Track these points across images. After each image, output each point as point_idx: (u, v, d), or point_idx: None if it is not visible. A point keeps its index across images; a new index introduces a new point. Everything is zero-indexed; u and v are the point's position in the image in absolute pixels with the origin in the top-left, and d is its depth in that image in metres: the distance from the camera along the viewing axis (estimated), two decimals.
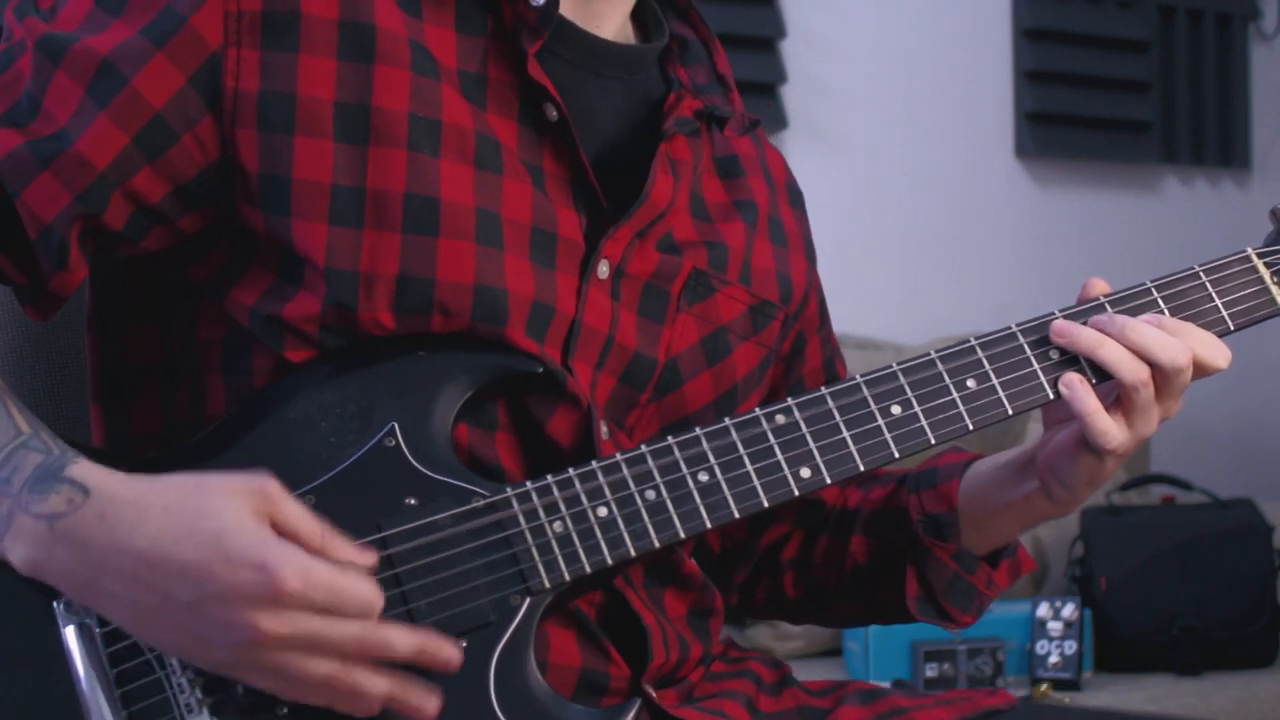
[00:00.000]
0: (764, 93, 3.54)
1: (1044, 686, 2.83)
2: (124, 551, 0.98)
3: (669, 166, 1.25)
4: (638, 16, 1.32)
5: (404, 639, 1.02)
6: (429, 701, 1.03)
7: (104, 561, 0.99)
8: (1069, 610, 2.92)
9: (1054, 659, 2.90)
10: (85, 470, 1.01)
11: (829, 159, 3.61)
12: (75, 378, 1.41)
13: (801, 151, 3.53)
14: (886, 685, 1.36)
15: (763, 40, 3.55)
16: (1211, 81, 4.09)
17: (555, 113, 1.19)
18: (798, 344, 1.40)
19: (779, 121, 3.56)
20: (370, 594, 1.00)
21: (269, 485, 1.00)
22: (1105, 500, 3.27)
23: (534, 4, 1.18)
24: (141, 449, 1.20)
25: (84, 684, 1.02)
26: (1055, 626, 2.91)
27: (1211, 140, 4.09)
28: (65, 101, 1.09)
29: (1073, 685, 2.87)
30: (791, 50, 3.60)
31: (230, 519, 0.98)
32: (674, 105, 1.27)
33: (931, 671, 2.83)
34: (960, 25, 3.83)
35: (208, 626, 0.98)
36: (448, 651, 1.04)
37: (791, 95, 3.60)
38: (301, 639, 0.98)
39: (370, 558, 1.03)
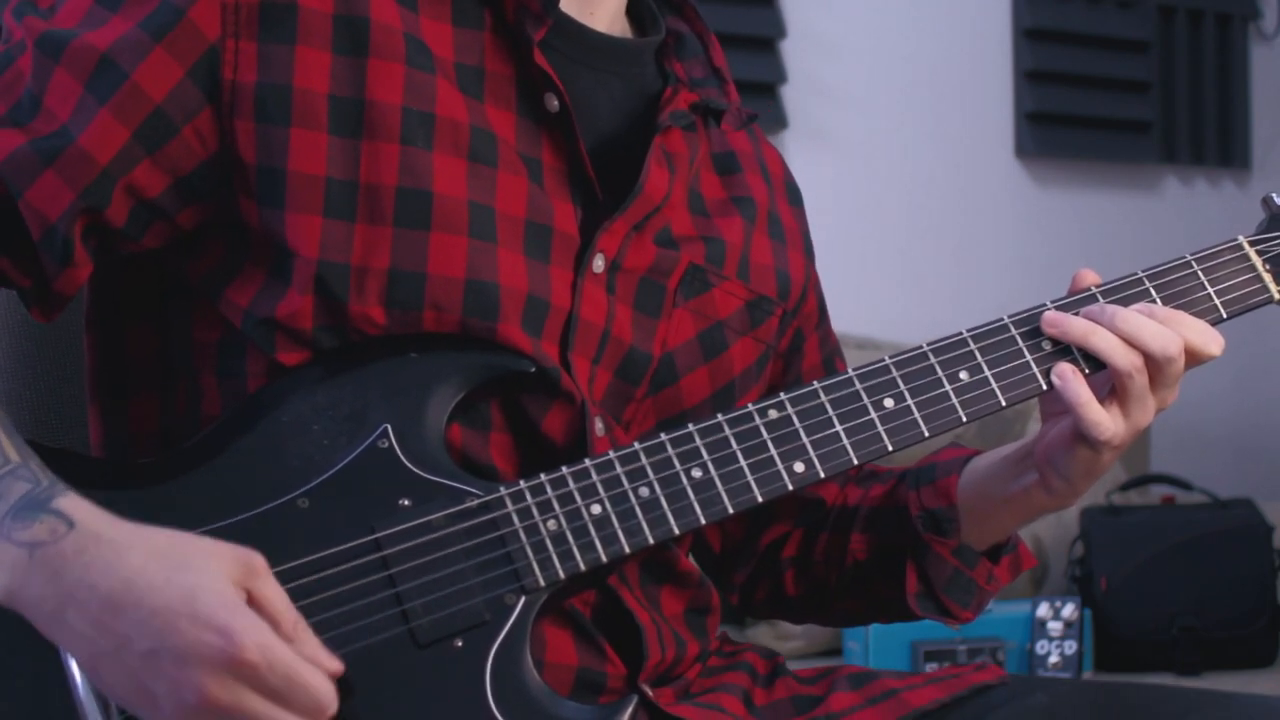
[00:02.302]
0: (764, 93, 3.54)
1: None
2: (94, 588, 0.96)
3: (664, 159, 1.25)
4: (633, 12, 1.32)
5: None
6: None
7: (72, 596, 0.96)
8: (1069, 610, 2.92)
9: (1054, 659, 2.90)
10: (73, 504, 1.00)
11: (829, 159, 3.61)
12: (75, 380, 1.41)
13: (801, 151, 3.53)
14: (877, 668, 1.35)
15: (763, 40, 3.55)
16: (1211, 81, 4.08)
17: (556, 103, 1.20)
18: (796, 341, 1.40)
19: (779, 121, 3.56)
20: (325, 695, 0.97)
21: (255, 559, 0.98)
22: (1105, 500, 3.27)
23: None
24: (138, 449, 1.20)
25: (81, 691, 1.01)
26: (1055, 626, 2.91)
27: (1211, 140, 4.09)
28: (66, 98, 1.10)
29: None
30: (791, 50, 3.60)
31: (208, 579, 0.96)
32: (670, 99, 1.27)
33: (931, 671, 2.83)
34: (960, 25, 3.83)
35: (156, 680, 0.95)
36: None
37: (791, 95, 3.60)
38: (244, 715, 0.95)
39: (335, 665, 0.99)
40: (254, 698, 0.95)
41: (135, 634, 0.95)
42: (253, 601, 0.97)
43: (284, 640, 0.97)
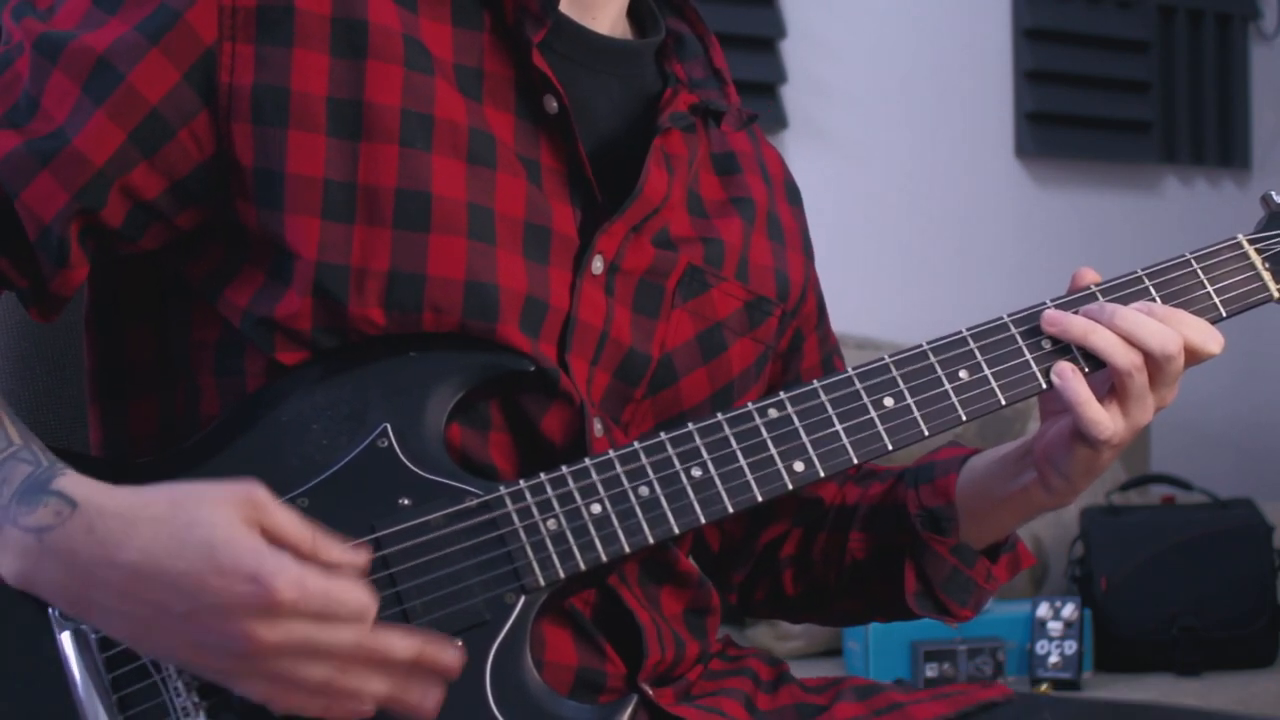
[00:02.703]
0: (764, 93, 3.54)
1: (1044, 686, 2.83)
2: (114, 564, 0.98)
3: (663, 161, 1.25)
4: (634, 13, 1.32)
5: (402, 643, 1.02)
6: (428, 699, 1.03)
7: (94, 574, 0.98)
8: (1069, 610, 2.92)
9: (1054, 659, 2.90)
10: (73, 482, 1.01)
11: (829, 159, 3.61)
12: (75, 378, 1.41)
13: (801, 151, 3.53)
14: (883, 681, 1.35)
15: (763, 40, 3.55)
16: (1211, 81, 4.08)
17: (555, 104, 1.19)
18: (795, 341, 1.40)
19: (779, 121, 3.56)
20: (364, 599, 1.00)
21: (257, 492, 1.00)
22: (1105, 500, 3.27)
23: None
24: (139, 449, 1.20)
25: (80, 690, 1.02)
26: (1055, 626, 2.91)
27: (1211, 140, 4.09)
28: (63, 100, 1.10)
29: (1073, 685, 2.87)
30: (791, 50, 3.60)
31: (221, 529, 0.97)
32: (669, 100, 1.27)
33: (931, 671, 2.83)
34: (960, 25, 3.83)
35: (204, 636, 0.98)
36: (448, 655, 1.03)
37: (791, 95, 3.60)
38: (298, 646, 0.98)
39: (362, 557, 1.03)
40: (301, 626, 0.97)
41: (168, 599, 0.97)
42: (267, 534, 0.99)
43: (308, 560, 0.99)
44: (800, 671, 1.37)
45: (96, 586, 0.98)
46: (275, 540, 0.99)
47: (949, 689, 1.31)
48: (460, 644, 1.06)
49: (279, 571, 0.96)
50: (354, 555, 1.02)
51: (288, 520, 1.00)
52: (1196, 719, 1.27)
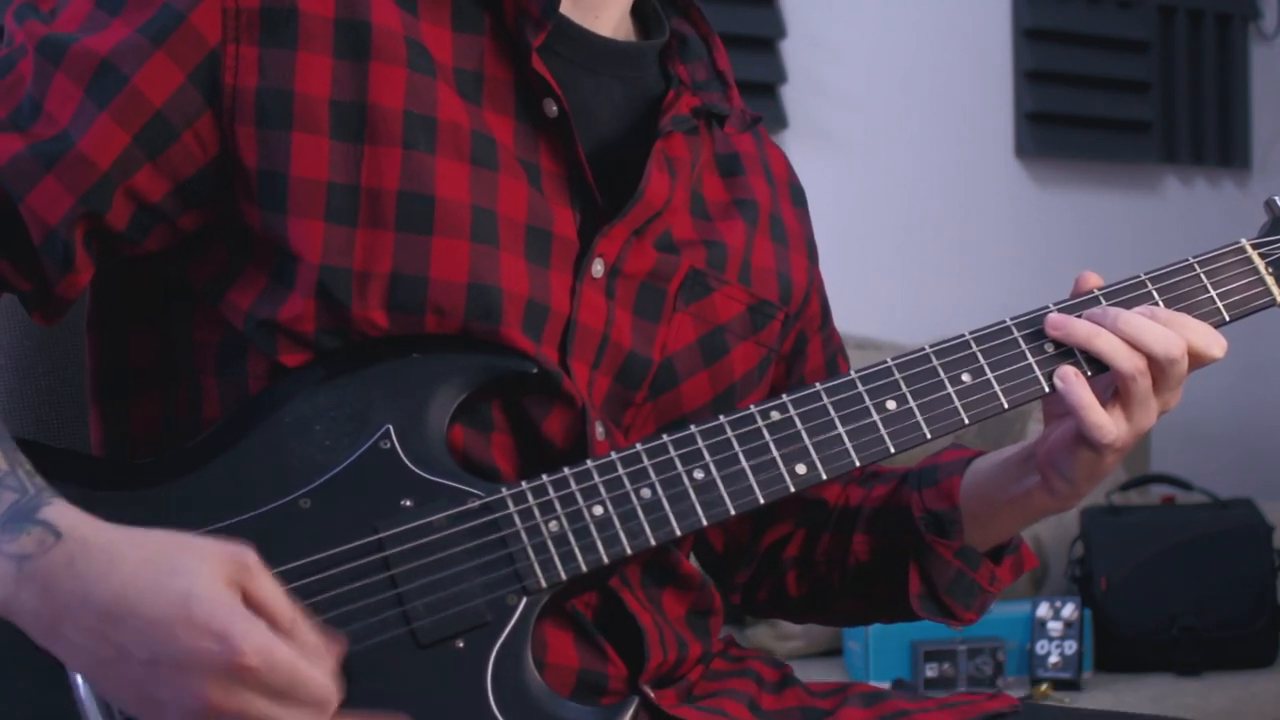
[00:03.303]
0: (764, 93, 3.54)
1: (1044, 686, 2.83)
2: (87, 600, 0.96)
3: (665, 164, 1.25)
4: (638, 13, 1.32)
5: None
6: None
7: (67, 608, 0.96)
8: (1069, 610, 2.92)
9: (1054, 659, 2.89)
10: (60, 512, 0.99)
11: (829, 159, 3.61)
12: (76, 380, 1.41)
13: (801, 151, 3.53)
14: (888, 687, 1.35)
15: (763, 40, 3.55)
16: (1211, 81, 4.08)
17: (555, 108, 1.19)
18: (799, 343, 1.40)
19: (779, 121, 3.56)
20: (329, 688, 0.97)
21: (248, 556, 0.98)
22: (1105, 500, 3.27)
23: None
24: (140, 450, 1.20)
25: (81, 689, 1.01)
26: (1055, 626, 2.91)
27: (1211, 140, 4.09)
28: (66, 103, 1.09)
29: (1073, 685, 2.87)
30: (791, 50, 3.60)
31: (202, 582, 0.95)
32: (672, 103, 1.27)
33: (931, 671, 2.83)
34: (960, 25, 3.83)
35: (160, 688, 0.95)
36: None
37: (791, 95, 3.60)
38: (251, 718, 0.95)
39: (337, 653, 1.00)
40: (257, 699, 0.95)
41: (133, 643, 0.95)
42: (248, 599, 0.97)
43: (283, 635, 0.97)
44: (800, 671, 1.37)
45: (67, 620, 0.96)
46: (256, 607, 0.97)
47: (955, 699, 1.31)
48: (457, 644, 1.06)
49: (247, 636, 0.94)
50: (330, 644, 1.00)
51: (272, 591, 0.98)
52: None
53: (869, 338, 3.24)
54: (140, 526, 0.99)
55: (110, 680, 0.97)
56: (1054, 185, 3.96)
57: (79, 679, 1.01)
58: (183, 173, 1.12)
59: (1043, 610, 2.93)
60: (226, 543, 0.98)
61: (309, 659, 0.97)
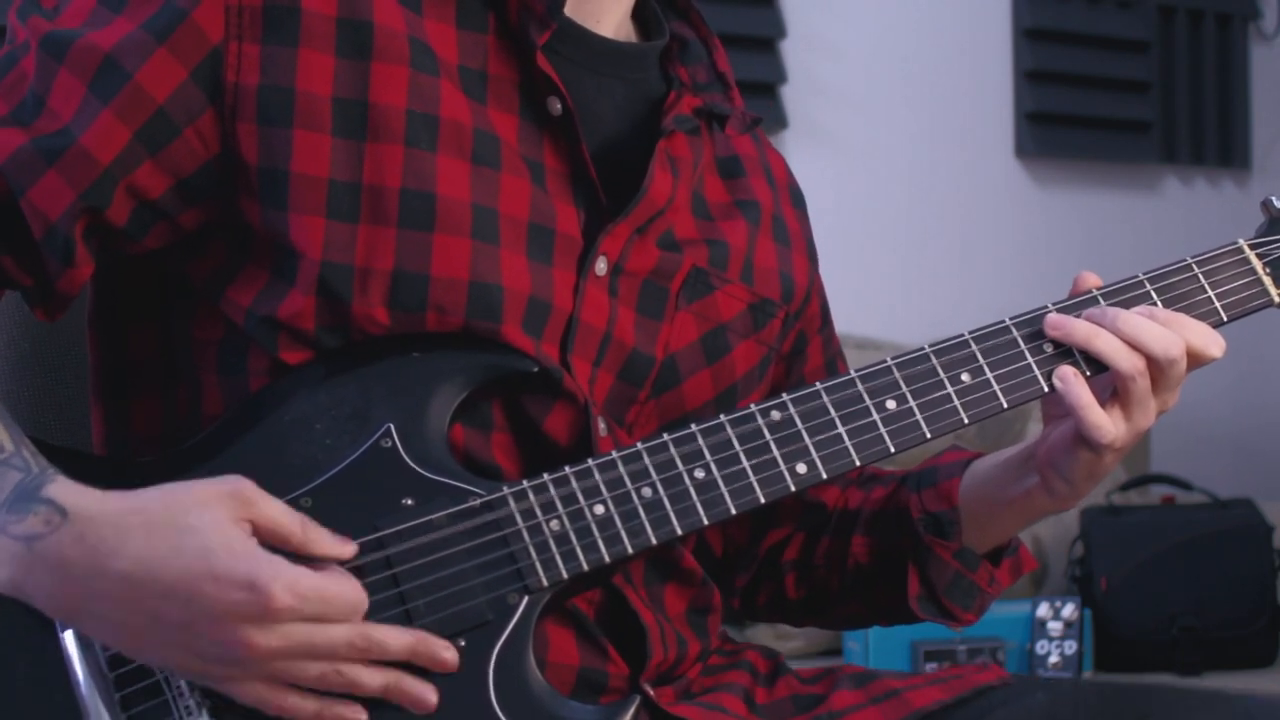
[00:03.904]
0: (764, 93, 3.54)
1: None
2: (107, 573, 0.98)
3: (668, 164, 1.25)
4: (638, 16, 1.32)
5: (396, 638, 1.03)
6: (426, 692, 1.04)
7: (88, 584, 0.98)
8: (1069, 610, 2.92)
9: (1054, 659, 2.90)
10: (63, 489, 1.01)
11: (829, 159, 3.61)
12: (74, 378, 1.41)
13: (801, 151, 3.53)
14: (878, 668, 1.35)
15: (763, 40, 3.55)
16: (1211, 81, 4.09)
17: (559, 106, 1.20)
18: (799, 344, 1.40)
19: (779, 121, 3.56)
20: (356, 594, 1.01)
21: (245, 488, 1.00)
22: (1105, 500, 3.27)
23: None
24: (141, 448, 1.20)
25: (83, 688, 1.02)
26: (1055, 626, 2.91)
27: (1211, 140, 4.09)
28: (69, 98, 1.10)
29: None
30: (791, 50, 3.60)
31: (214, 534, 0.98)
32: (673, 103, 1.27)
33: (932, 671, 2.83)
34: (960, 25, 3.83)
35: (200, 643, 0.98)
36: (443, 653, 1.05)
37: (791, 95, 3.60)
38: (294, 649, 0.99)
39: (350, 548, 1.04)
40: (296, 629, 0.99)
41: (164, 607, 0.97)
42: (257, 529, 1.00)
43: (298, 550, 1.01)
44: (799, 668, 1.37)
45: (90, 595, 0.98)
46: (266, 532, 1.00)
47: (945, 673, 1.31)
48: (460, 642, 1.07)
49: (275, 578, 0.97)
50: (343, 546, 1.04)
51: (277, 512, 1.01)
52: (1191, 698, 1.27)
53: (869, 337, 3.24)
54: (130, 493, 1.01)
55: (149, 646, 1.00)
56: (1054, 185, 3.96)
57: (80, 677, 1.02)
58: (184, 169, 1.12)
59: (1043, 610, 2.93)
60: (220, 481, 1.01)
61: (330, 572, 1.01)
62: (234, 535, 0.98)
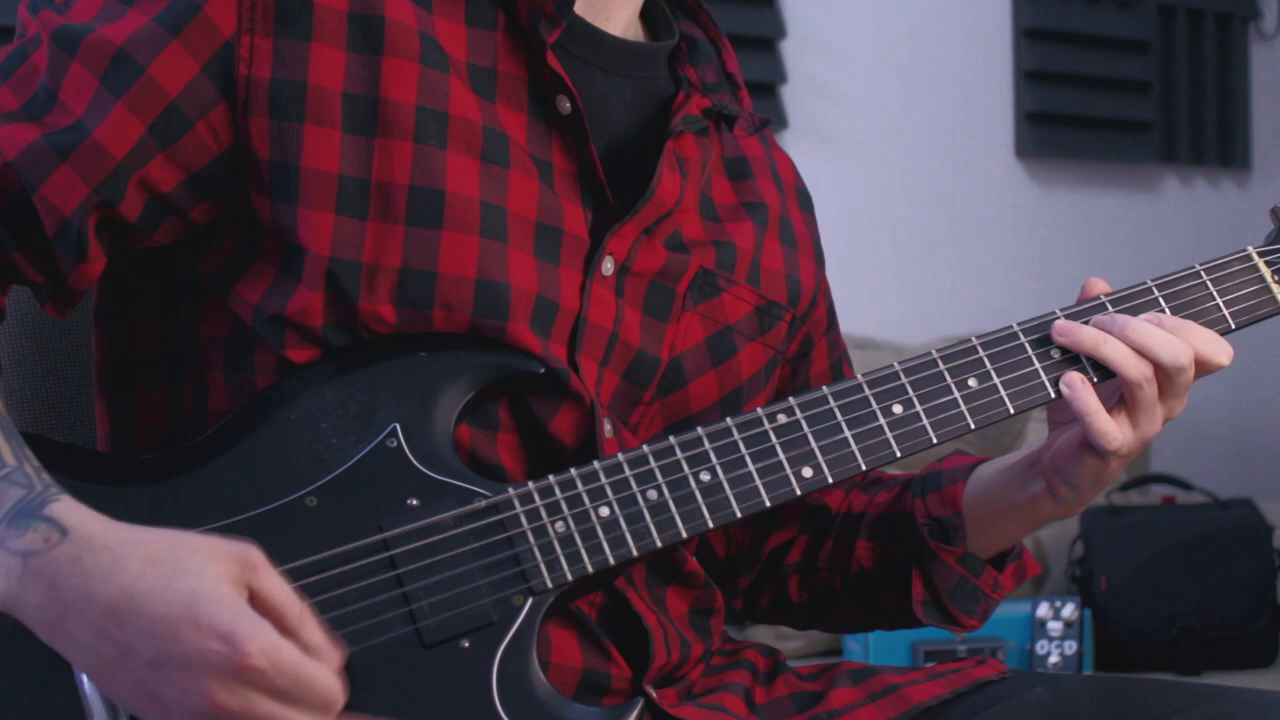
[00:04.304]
0: (764, 93, 3.55)
1: None
2: (93, 598, 0.96)
3: (676, 164, 1.25)
4: (647, 16, 1.32)
5: None
6: None
7: (72, 605, 0.96)
8: (1069, 610, 2.92)
9: (1054, 659, 2.90)
10: (66, 510, 0.99)
11: (829, 159, 3.61)
12: (76, 378, 1.41)
13: (802, 151, 3.52)
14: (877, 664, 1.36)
15: (763, 40, 3.56)
16: (1211, 81, 4.09)
17: (569, 105, 1.19)
18: (804, 346, 1.40)
19: (779, 121, 3.56)
20: (334, 689, 0.97)
21: (253, 554, 0.98)
22: (1105, 500, 3.27)
23: None
24: (145, 445, 1.20)
25: (86, 686, 1.01)
26: (1055, 626, 2.92)
27: (1211, 140, 4.09)
28: (81, 92, 1.09)
29: None
30: (791, 50, 3.60)
31: (207, 582, 0.95)
32: (682, 104, 1.27)
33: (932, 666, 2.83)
34: (960, 25, 3.83)
35: (164, 688, 0.95)
36: None
37: (791, 95, 3.60)
38: (255, 719, 0.96)
39: (341, 653, 1.00)
40: (262, 700, 0.95)
41: (138, 643, 0.95)
42: (254, 598, 0.97)
43: (289, 633, 0.97)
44: (799, 666, 1.37)
45: (72, 617, 0.96)
46: (262, 605, 0.97)
47: (943, 668, 1.31)
48: (462, 644, 1.07)
49: (253, 637, 0.94)
50: (334, 646, 1.00)
51: (278, 588, 0.98)
52: (1189, 692, 1.27)
53: (869, 337, 3.24)
54: (145, 522, 0.99)
55: (114, 679, 0.97)
56: (1054, 185, 3.96)
57: (84, 676, 1.01)
58: (196, 163, 1.12)
59: (1043, 610, 2.93)
60: (232, 541, 0.98)
61: (315, 659, 0.97)
62: (226, 590, 0.95)
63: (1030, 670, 2.84)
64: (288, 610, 0.98)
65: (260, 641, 0.94)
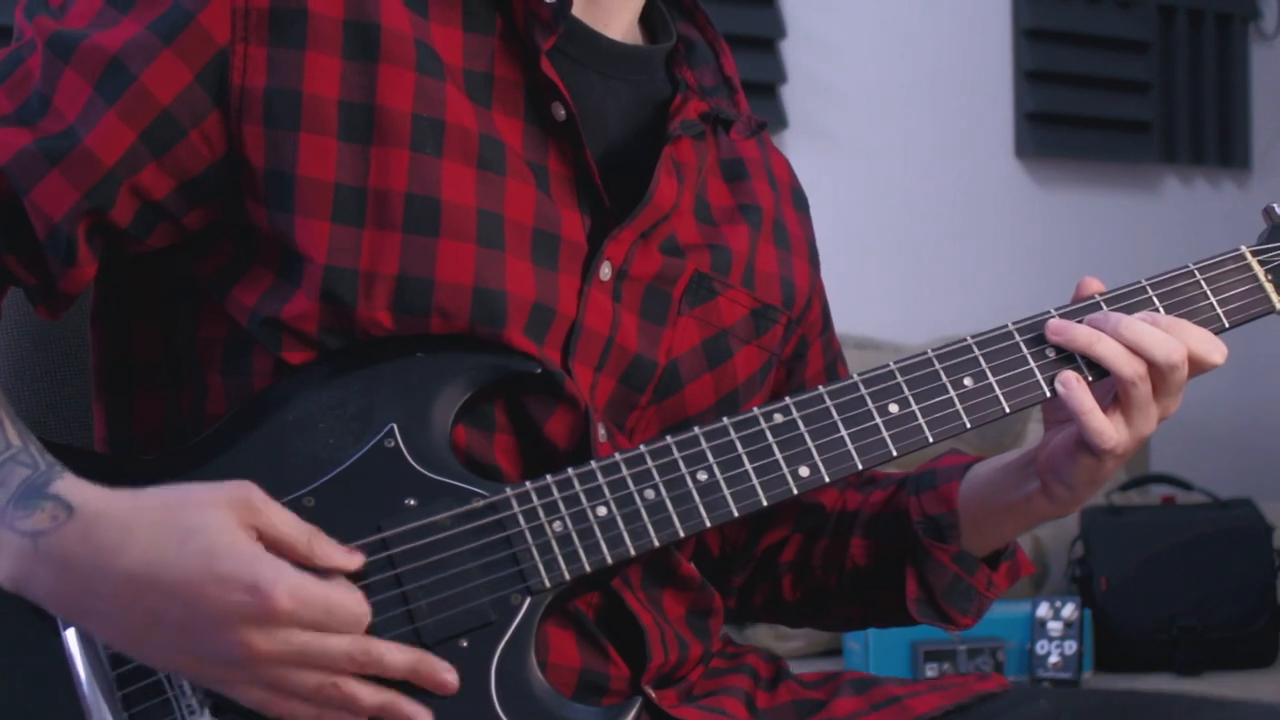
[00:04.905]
0: (764, 93, 3.55)
1: (1044, 686, 2.83)
2: (110, 571, 0.98)
3: (673, 169, 1.25)
4: (645, 18, 1.32)
5: (397, 655, 1.03)
6: (421, 714, 1.04)
7: (90, 582, 0.98)
8: (1069, 610, 2.92)
9: (1054, 659, 2.90)
10: (70, 486, 1.01)
11: (829, 159, 3.61)
12: (75, 378, 1.41)
13: (801, 151, 3.53)
14: (880, 675, 1.36)
15: (763, 40, 3.56)
16: (1211, 81, 4.09)
17: (563, 112, 1.19)
18: (800, 348, 1.40)
19: (779, 121, 3.56)
20: (360, 606, 1.01)
21: (252, 494, 1.00)
22: (1105, 500, 3.27)
23: (548, 0, 1.18)
24: (143, 447, 1.20)
25: (85, 687, 1.02)
26: (1055, 626, 2.92)
27: (1211, 140, 4.09)
28: (74, 99, 1.09)
29: (1073, 685, 2.87)
30: (791, 50, 3.60)
31: (219, 536, 0.98)
32: (679, 107, 1.27)
33: (931, 671, 2.83)
34: (960, 25, 3.83)
35: (200, 645, 0.98)
36: (444, 674, 1.05)
37: (791, 95, 3.60)
38: (294, 655, 0.99)
39: (357, 560, 1.04)
40: (298, 634, 0.99)
41: (165, 607, 0.98)
42: (263, 536, 1.00)
43: (303, 559, 1.00)
44: (800, 671, 1.37)
45: (92, 593, 0.99)
46: (271, 541, 1.00)
47: (946, 680, 1.31)
48: (460, 644, 1.07)
49: (277, 581, 0.97)
50: (350, 558, 1.04)
51: (284, 520, 1.01)
52: (1191, 704, 1.27)
53: (869, 338, 3.24)
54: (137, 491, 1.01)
55: (150, 647, 1.00)
56: (1054, 185, 3.96)
57: (82, 675, 1.02)
58: (189, 171, 1.12)
59: (1043, 610, 2.93)
60: (228, 486, 1.01)
61: (335, 582, 1.01)
62: (239, 539, 0.98)
63: (1032, 681, 2.85)
64: (296, 540, 1.01)
65: (284, 583, 0.98)
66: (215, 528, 0.98)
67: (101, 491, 1.01)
